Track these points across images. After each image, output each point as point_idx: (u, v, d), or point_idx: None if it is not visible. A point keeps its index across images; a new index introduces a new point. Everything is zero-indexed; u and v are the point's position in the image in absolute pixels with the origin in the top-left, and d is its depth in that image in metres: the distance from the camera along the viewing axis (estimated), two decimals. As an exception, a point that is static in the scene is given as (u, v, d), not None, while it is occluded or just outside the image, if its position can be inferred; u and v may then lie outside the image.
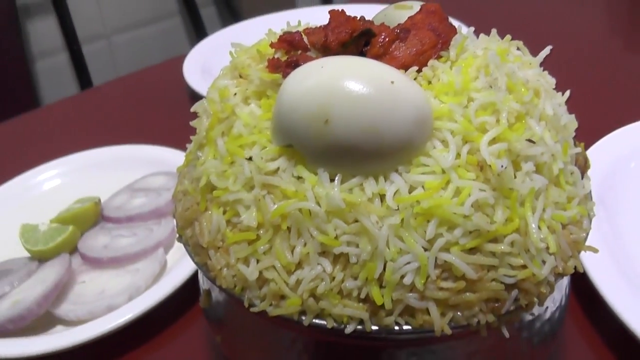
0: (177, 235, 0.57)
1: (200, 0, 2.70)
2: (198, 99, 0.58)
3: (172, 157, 1.07)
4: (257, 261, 0.47)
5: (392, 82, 0.45)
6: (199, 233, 0.51)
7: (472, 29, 0.58)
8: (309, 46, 0.55)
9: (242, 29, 1.57)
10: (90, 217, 0.96)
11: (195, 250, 0.53)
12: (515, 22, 0.79)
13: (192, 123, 0.58)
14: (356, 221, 0.45)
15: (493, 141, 0.47)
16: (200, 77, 1.32)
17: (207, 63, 1.40)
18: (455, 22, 0.60)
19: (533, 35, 0.66)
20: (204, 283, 0.61)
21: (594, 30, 1.57)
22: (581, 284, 0.76)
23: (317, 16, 0.59)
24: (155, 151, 1.11)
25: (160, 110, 1.38)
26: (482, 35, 0.59)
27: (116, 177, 1.07)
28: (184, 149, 0.59)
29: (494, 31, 0.59)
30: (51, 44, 2.42)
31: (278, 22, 0.61)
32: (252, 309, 0.48)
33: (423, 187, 0.45)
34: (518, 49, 0.58)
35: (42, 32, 2.40)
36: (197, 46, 1.49)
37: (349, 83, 0.45)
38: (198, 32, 2.64)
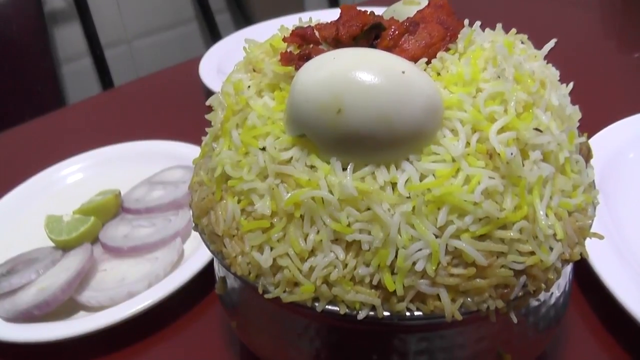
0: (194, 224, 0.55)
1: (216, 6, 2.69)
2: (212, 94, 0.57)
3: (188, 152, 1.05)
4: (271, 249, 0.46)
5: (403, 72, 0.43)
6: (215, 222, 0.50)
7: (479, 23, 0.56)
8: (320, 40, 0.53)
9: (254, 31, 1.55)
10: (111, 208, 0.94)
11: (211, 238, 0.51)
12: (515, 19, 0.77)
13: (208, 116, 0.56)
14: (368, 209, 0.43)
15: (502, 130, 0.45)
16: (215, 76, 1.30)
17: (221, 63, 1.38)
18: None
19: (533, 30, 0.63)
20: (219, 270, 0.60)
21: (594, 25, 1.54)
22: (582, 270, 0.74)
23: (326, 18, 0.58)
24: (172, 146, 1.10)
25: (178, 108, 1.36)
26: (487, 30, 0.57)
27: (136, 171, 1.06)
28: (199, 144, 0.58)
29: (499, 26, 0.57)
30: (76, 49, 2.41)
31: (289, 23, 0.59)
32: (266, 296, 0.47)
33: (434, 175, 0.44)
34: (522, 42, 0.56)
35: (68, 38, 2.39)
36: (212, 48, 1.47)
37: (361, 73, 0.43)
38: (213, 35, 2.63)
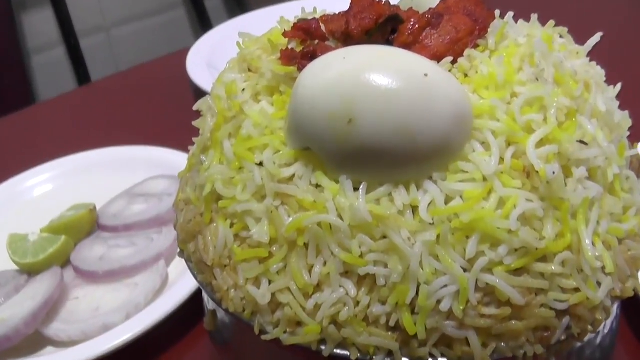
0: (179, 250, 0.54)
1: (205, -10, 2.70)
2: (203, 96, 0.56)
3: (175, 160, 1.04)
4: (270, 282, 0.45)
5: (426, 75, 0.42)
6: (203, 249, 0.49)
7: (511, 13, 0.55)
8: (327, 35, 0.52)
9: (250, 19, 1.54)
10: (85, 225, 0.93)
11: (199, 267, 0.50)
12: (553, 9, 0.75)
13: (195, 123, 0.55)
14: (384, 237, 0.42)
15: (541, 143, 0.44)
16: (205, 72, 1.30)
17: (212, 57, 1.37)
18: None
19: (574, 23, 0.62)
20: (209, 303, 0.58)
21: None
22: (631, 302, 0.72)
23: (335, 8, 0.57)
24: (156, 153, 1.09)
25: (163, 108, 1.35)
26: (521, 22, 0.56)
27: (113, 181, 1.05)
28: (188, 150, 0.57)
29: (534, 17, 0.56)
30: (48, 37, 2.41)
31: (290, 12, 0.58)
32: (263, 337, 0.45)
33: (462, 197, 0.43)
34: (561, 37, 0.55)
35: (38, 25, 2.39)
36: (201, 39, 1.46)
37: (376, 76, 0.42)
38: (203, 24, 2.63)
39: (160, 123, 1.30)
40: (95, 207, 0.96)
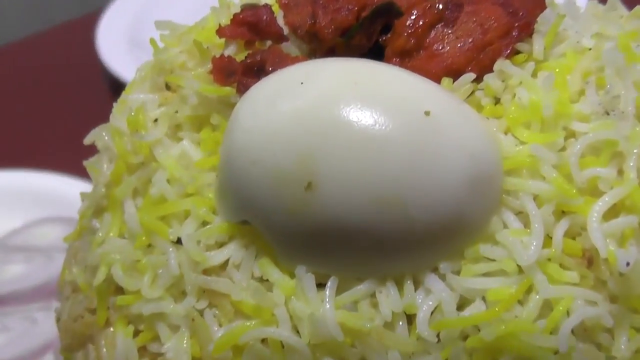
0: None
1: None
2: (121, 86, 0.57)
3: (73, 192, 0.98)
4: None
5: (427, 113, 0.41)
6: (95, 364, 0.48)
7: (574, -4, 0.54)
8: (285, 32, 0.52)
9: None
10: None
11: (92, 392, 0.49)
12: None
13: (87, 163, 0.55)
14: None
15: (611, 212, 0.43)
16: (126, 50, 1.29)
17: (138, 26, 1.35)
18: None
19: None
20: None
21: None
22: None
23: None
24: (45, 181, 1.06)
25: (58, 104, 1.33)
26: (591, 4, 0.55)
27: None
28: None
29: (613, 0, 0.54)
30: None
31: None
32: None
33: (484, 299, 0.42)
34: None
35: None
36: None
37: (348, 115, 0.41)
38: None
39: (53, 129, 1.27)
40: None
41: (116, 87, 0.87)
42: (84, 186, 1.02)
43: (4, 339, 0.87)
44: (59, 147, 1.19)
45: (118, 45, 1.33)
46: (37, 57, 1.50)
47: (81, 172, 1.00)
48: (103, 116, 0.56)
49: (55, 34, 1.57)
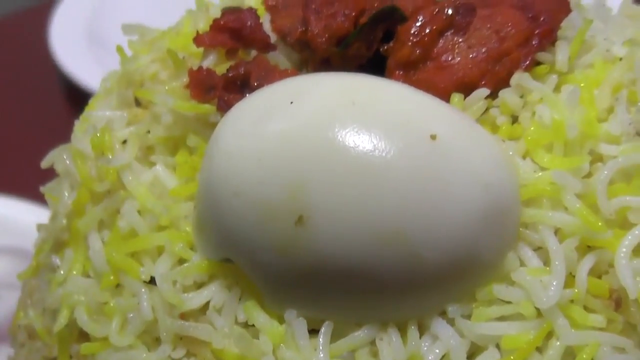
0: None
1: None
2: (81, 95, 0.57)
3: (23, 218, 1.01)
4: None
5: (434, 137, 0.42)
6: None
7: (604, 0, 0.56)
8: (272, 39, 0.53)
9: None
10: None
11: None
12: None
13: (45, 189, 0.56)
14: None
15: None
16: (83, 49, 1.31)
17: (98, 20, 1.37)
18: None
19: None
20: None
21: None
22: None
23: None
24: None
25: (6, 115, 1.34)
26: (625, 5, 0.56)
27: None
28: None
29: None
30: None
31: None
32: None
33: (498, 347, 0.43)
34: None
35: None
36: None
37: (347, 137, 0.42)
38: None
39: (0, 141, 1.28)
40: None
41: (73, 92, 0.88)
42: (37, 211, 1.02)
43: None
44: (8, 165, 1.22)
45: (75, 42, 1.32)
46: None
47: (34, 195, 1.01)
48: (60, 128, 0.58)
49: (2, 26, 1.56)
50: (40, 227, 0.55)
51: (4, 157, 1.25)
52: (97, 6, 1.41)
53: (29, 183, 0.88)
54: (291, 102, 0.45)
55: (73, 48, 1.32)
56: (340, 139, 0.43)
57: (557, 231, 0.45)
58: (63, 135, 0.56)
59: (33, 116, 1.28)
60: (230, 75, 0.50)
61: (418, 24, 0.51)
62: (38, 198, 0.97)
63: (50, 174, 0.58)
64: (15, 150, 1.16)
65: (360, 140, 0.43)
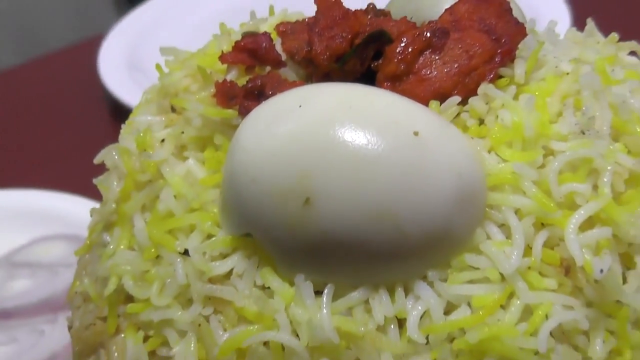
0: (73, 368, 0.57)
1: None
2: (123, 111, 0.58)
3: (76, 210, 1.02)
4: None
5: (416, 134, 0.44)
6: (106, 371, 0.52)
7: (554, 22, 0.57)
8: (283, 57, 0.54)
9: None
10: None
11: (102, 397, 0.53)
12: (620, 13, 0.74)
13: (97, 181, 0.58)
14: None
15: (587, 224, 0.46)
16: (125, 74, 1.30)
17: (137, 50, 1.38)
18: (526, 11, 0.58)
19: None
20: None
21: None
22: None
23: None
24: (49, 201, 1.07)
25: (61, 126, 1.36)
26: (570, 32, 0.58)
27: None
28: (98, 196, 0.59)
29: (590, 23, 0.58)
30: None
31: (242, 8, 0.59)
32: None
33: (469, 305, 0.45)
34: (635, 54, 0.57)
35: None
36: (121, 22, 1.46)
37: (344, 135, 0.44)
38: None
39: (55, 151, 1.30)
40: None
41: (117, 108, 0.87)
42: (87, 204, 1.02)
43: (14, 350, 0.90)
44: (64, 167, 1.22)
45: (118, 68, 1.35)
46: (42, 81, 1.53)
47: (84, 191, 1.01)
48: (105, 136, 0.60)
49: (62, 56, 1.62)
50: (93, 211, 0.58)
51: (61, 161, 1.27)
52: (136, 39, 1.43)
53: (81, 181, 0.88)
54: (299, 106, 0.46)
55: (117, 73, 1.35)
56: (339, 136, 0.44)
57: (517, 211, 0.47)
58: (108, 143, 0.58)
59: (85, 128, 1.31)
60: (249, 86, 0.52)
61: (402, 44, 0.52)
62: (88, 193, 0.97)
63: (98, 172, 0.59)
64: (70, 155, 1.16)
65: (356, 137, 0.44)
